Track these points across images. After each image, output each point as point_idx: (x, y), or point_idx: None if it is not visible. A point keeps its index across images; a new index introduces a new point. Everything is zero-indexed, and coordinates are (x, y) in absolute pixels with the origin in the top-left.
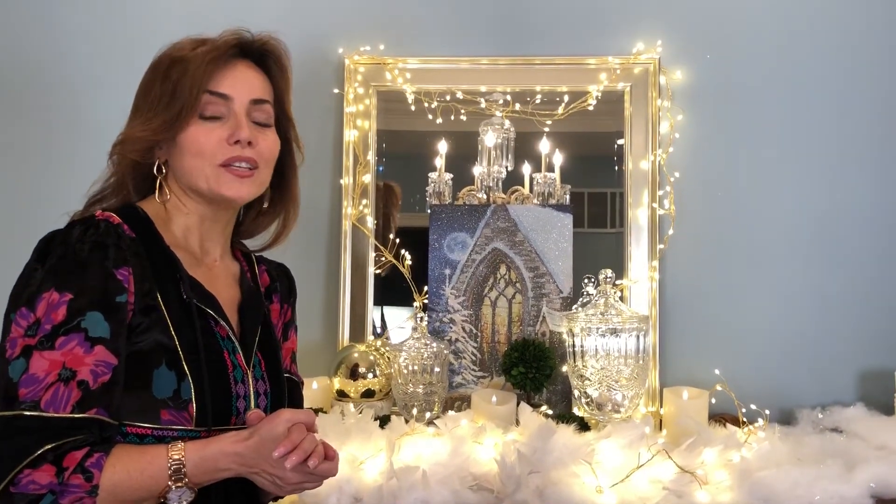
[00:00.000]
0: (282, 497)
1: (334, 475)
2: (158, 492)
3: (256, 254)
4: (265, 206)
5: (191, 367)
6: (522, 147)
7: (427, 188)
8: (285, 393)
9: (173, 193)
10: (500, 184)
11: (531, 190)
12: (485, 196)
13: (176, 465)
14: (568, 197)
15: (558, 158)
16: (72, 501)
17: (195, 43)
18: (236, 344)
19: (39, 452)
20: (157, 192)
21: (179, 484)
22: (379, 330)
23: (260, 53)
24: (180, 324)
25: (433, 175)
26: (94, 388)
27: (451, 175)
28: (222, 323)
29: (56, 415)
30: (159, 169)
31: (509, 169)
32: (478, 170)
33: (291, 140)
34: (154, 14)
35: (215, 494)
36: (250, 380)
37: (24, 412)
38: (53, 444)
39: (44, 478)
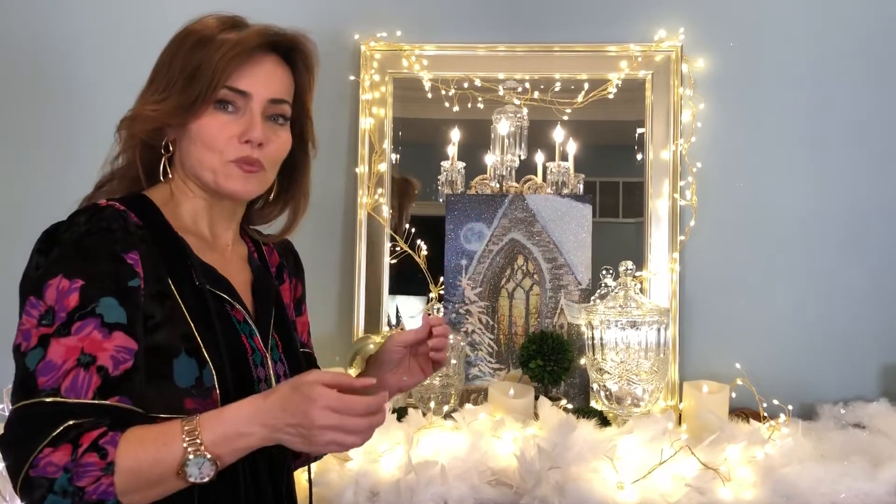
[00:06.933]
0: (312, 460)
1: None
2: (177, 464)
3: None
4: (270, 198)
5: (211, 354)
6: (537, 136)
7: (439, 177)
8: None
9: (177, 176)
10: (513, 173)
11: (544, 179)
12: (497, 185)
13: (189, 428)
14: (581, 186)
15: (572, 147)
16: (89, 483)
17: (222, 24)
18: (253, 327)
19: (60, 430)
20: (161, 172)
21: (197, 452)
22: (393, 321)
23: (288, 49)
24: (196, 310)
25: (445, 164)
26: (114, 374)
27: (464, 164)
28: (238, 307)
29: (77, 401)
30: (166, 147)
31: (522, 158)
32: (490, 158)
33: (307, 138)
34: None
35: (242, 470)
36: (269, 362)
37: (44, 399)
38: (74, 422)
39: (61, 458)
